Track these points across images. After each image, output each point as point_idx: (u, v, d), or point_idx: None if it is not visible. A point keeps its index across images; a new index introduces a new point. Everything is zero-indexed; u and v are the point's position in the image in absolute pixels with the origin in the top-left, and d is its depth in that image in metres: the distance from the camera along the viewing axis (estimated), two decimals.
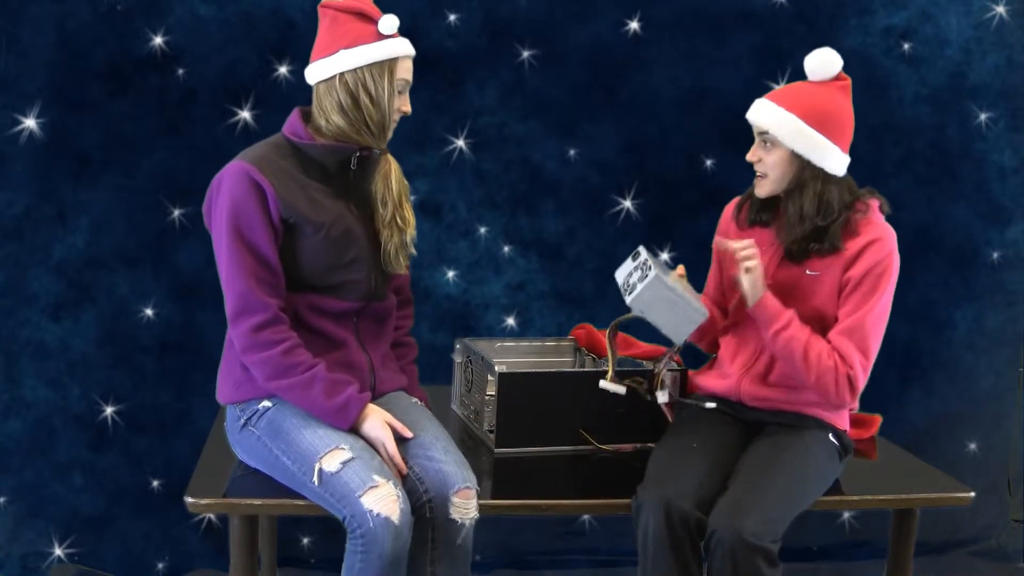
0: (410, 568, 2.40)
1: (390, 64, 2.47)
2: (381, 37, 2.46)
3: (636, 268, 2.58)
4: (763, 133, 2.60)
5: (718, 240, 2.71)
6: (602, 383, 2.69)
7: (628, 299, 2.55)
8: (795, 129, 2.55)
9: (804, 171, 2.58)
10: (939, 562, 3.88)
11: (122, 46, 3.53)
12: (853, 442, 2.75)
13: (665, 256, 3.82)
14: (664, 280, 2.52)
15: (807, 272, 2.61)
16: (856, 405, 2.68)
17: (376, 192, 2.53)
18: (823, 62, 2.61)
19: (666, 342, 2.70)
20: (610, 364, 2.72)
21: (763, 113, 2.60)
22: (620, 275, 2.64)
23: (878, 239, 2.57)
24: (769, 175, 2.61)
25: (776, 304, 2.57)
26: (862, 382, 2.58)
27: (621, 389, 2.70)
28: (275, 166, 2.44)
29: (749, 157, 2.64)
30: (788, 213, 2.61)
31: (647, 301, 2.53)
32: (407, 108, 2.53)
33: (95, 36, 3.52)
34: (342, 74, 2.45)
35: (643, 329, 3.33)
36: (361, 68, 2.45)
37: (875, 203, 2.64)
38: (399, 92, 2.50)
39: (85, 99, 3.53)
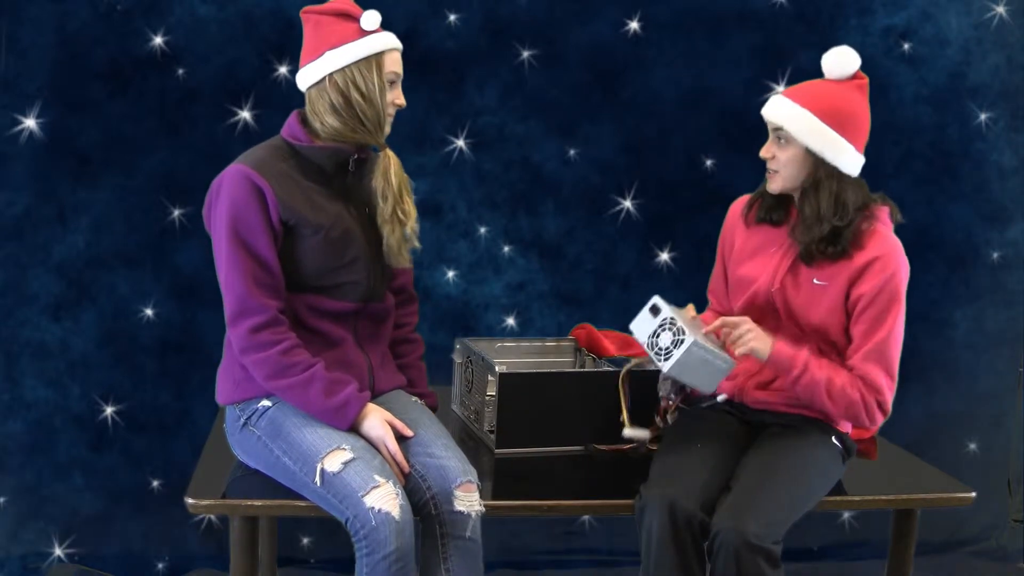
0: (424, 568, 2.41)
1: (377, 59, 2.47)
2: (364, 33, 2.46)
3: (663, 328, 2.53)
4: (777, 129, 2.57)
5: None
6: (626, 432, 2.67)
7: (665, 366, 2.51)
8: (810, 126, 2.53)
9: (818, 170, 2.55)
10: (939, 562, 3.88)
11: (122, 46, 3.53)
12: (856, 444, 2.75)
13: (665, 256, 3.82)
14: (700, 343, 2.49)
15: (814, 281, 2.59)
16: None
17: (376, 188, 2.52)
18: (840, 60, 2.58)
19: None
20: (624, 411, 2.68)
21: (778, 109, 2.57)
22: (640, 332, 2.57)
23: (883, 254, 2.54)
24: (781, 172, 2.58)
25: (788, 350, 2.55)
26: (890, 401, 2.58)
27: (645, 434, 2.68)
28: (274, 168, 2.44)
29: (763, 153, 2.61)
30: (805, 214, 2.58)
31: (684, 364, 2.51)
32: (401, 101, 2.53)
33: (95, 36, 3.52)
34: (331, 75, 2.45)
35: None
36: (349, 66, 2.45)
37: (884, 210, 2.61)
38: (390, 85, 2.50)
39: (85, 99, 3.53)
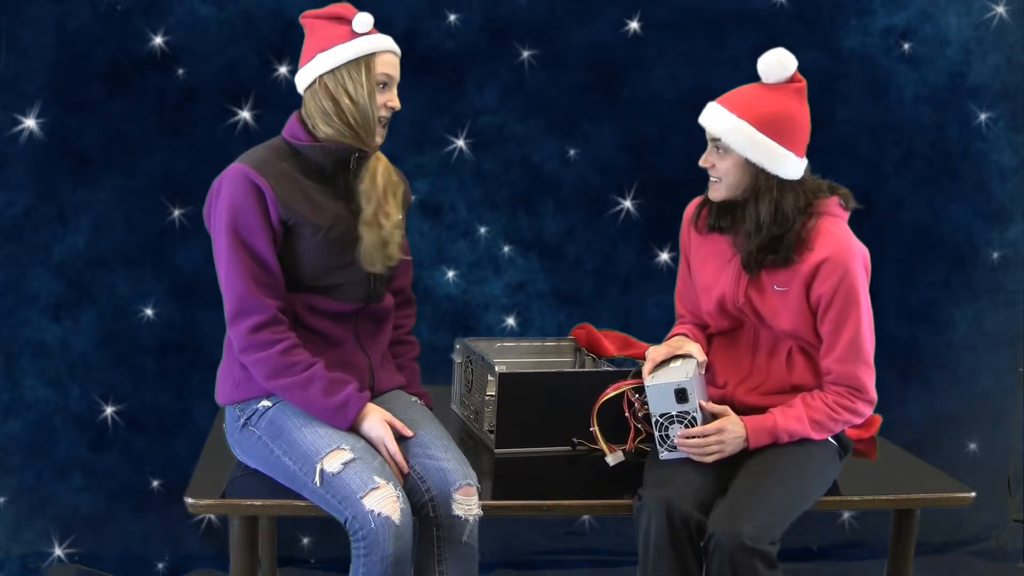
0: (418, 569, 2.41)
1: (367, 60, 2.44)
2: (355, 35, 2.45)
3: (681, 419, 2.51)
4: (715, 140, 2.55)
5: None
6: (609, 460, 2.65)
7: (662, 453, 2.54)
8: (748, 137, 2.49)
9: (758, 178, 2.52)
10: (939, 562, 3.88)
11: (122, 46, 3.53)
12: (852, 441, 2.75)
13: (665, 256, 3.82)
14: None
15: (775, 288, 2.57)
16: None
17: (363, 191, 2.50)
18: (776, 63, 2.52)
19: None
20: (601, 443, 2.67)
21: (715, 119, 2.54)
22: (655, 403, 2.53)
23: (832, 254, 2.50)
24: (724, 180, 2.55)
25: (759, 425, 2.53)
26: (872, 390, 2.57)
27: (622, 456, 2.68)
28: (274, 168, 2.44)
29: (702, 163, 2.58)
30: (746, 222, 2.55)
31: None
32: (395, 103, 2.49)
33: (95, 36, 3.52)
34: (321, 77, 2.44)
35: (642, 329, 3.34)
36: (339, 68, 2.43)
37: (832, 201, 2.57)
38: (381, 87, 2.47)
39: (85, 99, 3.53)
